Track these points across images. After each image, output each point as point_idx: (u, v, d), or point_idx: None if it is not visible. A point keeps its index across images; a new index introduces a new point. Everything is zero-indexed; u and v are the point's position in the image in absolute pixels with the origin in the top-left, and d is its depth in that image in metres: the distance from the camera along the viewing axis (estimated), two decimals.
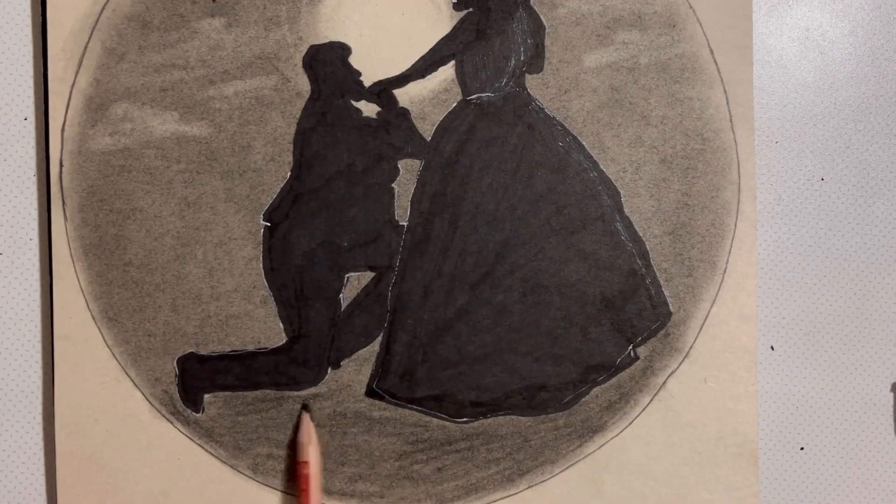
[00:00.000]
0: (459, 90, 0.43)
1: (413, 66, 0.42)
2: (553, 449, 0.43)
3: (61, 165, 0.41)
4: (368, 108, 0.42)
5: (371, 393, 0.42)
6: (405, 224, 0.42)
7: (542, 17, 0.43)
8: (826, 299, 0.44)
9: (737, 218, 0.43)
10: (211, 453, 0.42)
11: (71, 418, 0.41)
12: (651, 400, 0.43)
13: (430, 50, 0.42)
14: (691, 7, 0.43)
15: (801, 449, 0.44)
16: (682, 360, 0.43)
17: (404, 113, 0.42)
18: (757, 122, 0.43)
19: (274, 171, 0.42)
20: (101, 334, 0.41)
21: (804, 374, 0.44)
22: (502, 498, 0.43)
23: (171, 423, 0.42)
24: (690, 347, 0.43)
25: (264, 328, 0.42)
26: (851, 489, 0.44)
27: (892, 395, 0.44)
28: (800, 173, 0.44)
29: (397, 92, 0.42)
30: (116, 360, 0.41)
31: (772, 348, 0.44)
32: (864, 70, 0.44)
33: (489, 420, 0.43)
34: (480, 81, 0.43)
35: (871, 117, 0.44)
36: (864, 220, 0.44)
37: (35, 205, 0.42)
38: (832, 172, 0.44)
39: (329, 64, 0.42)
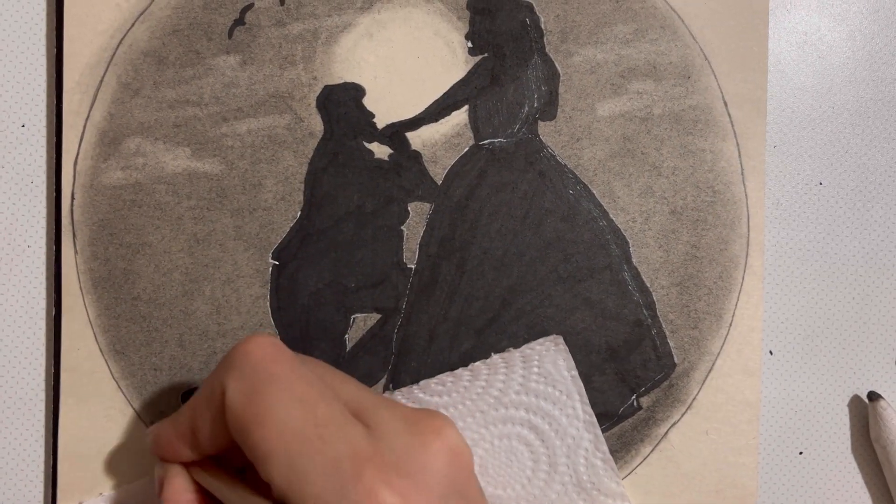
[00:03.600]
0: (472, 135, 0.43)
1: (426, 109, 0.42)
2: None
3: (73, 198, 0.42)
4: (380, 151, 0.43)
5: None
6: (413, 267, 0.43)
7: (556, 65, 0.43)
8: (825, 303, 0.44)
9: (744, 272, 0.43)
10: None
11: (74, 450, 0.41)
12: (652, 450, 0.43)
13: (444, 94, 0.42)
14: (706, 59, 0.43)
15: (800, 453, 0.44)
16: (685, 412, 0.43)
17: (416, 156, 0.42)
18: None
19: (284, 211, 0.42)
20: (108, 367, 0.42)
21: (803, 378, 0.44)
22: None
23: None
24: (693, 399, 0.43)
25: None
26: (850, 494, 0.44)
27: (870, 403, 0.43)
28: (798, 177, 0.44)
29: (410, 135, 0.42)
30: (122, 393, 0.42)
31: (770, 353, 0.44)
32: (862, 74, 0.44)
33: None
34: (493, 127, 0.43)
35: (870, 121, 0.44)
36: (862, 224, 0.44)
37: (42, 231, 0.42)
38: (830, 176, 0.44)
39: (343, 105, 0.42)
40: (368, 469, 0.29)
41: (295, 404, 0.30)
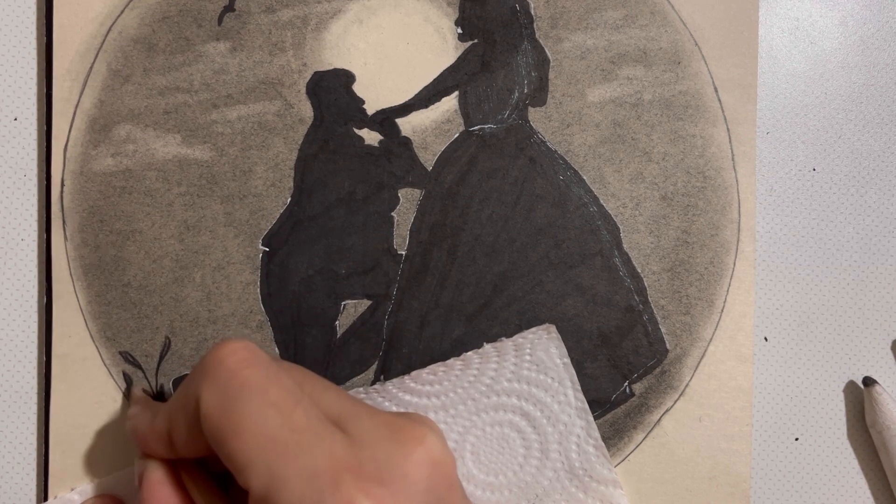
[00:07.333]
0: (462, 121, 0.43)
1: (416, 95, 0.42)
2: None
3: (63, 185, 0.42)
4: (371, 137, 0.43)
5: None
6: (403, 253, 0.42)
7: (546, 51, 0.42)
8: (819, 289, 0.44)
9: (735, 257, 0.43)
10: None
11: (66, 437, 0.41)
12: (645, 437, 0.43)
13: (434, 80, 0.42)
14: (697, 44, 0.43)
15: (796, 440, 0.44)
16: (678, 398, 0.43)
17: (406, 142, 0.42)
18: None
19: (274, 197, 0.42)
20: (100, 354, 0.42)
21: (798, 364, 0.44)
22: None
23: None
24: (686, 386, 0.43)
25: None
26: (846, 480, 0.44)
27: (865, 388, 0.43)
28: (791, 164, 0.44)
29: (400, 121, 0.42)
30: (113, 379, 0.42)
31: (765, 339, 0.44)
32: (854, 59, 0.44)
33: None
34: (483, 113, 0.43)
35: (863, 107, 0.44)
36: (856, 209, 0.44)
37: (35, 223, 0.42)
38: (824, 162, 0.44)
39: (333, 91, 0.42)
40: (347, 478, 0.28)
41: (270, 410, 0.30)
